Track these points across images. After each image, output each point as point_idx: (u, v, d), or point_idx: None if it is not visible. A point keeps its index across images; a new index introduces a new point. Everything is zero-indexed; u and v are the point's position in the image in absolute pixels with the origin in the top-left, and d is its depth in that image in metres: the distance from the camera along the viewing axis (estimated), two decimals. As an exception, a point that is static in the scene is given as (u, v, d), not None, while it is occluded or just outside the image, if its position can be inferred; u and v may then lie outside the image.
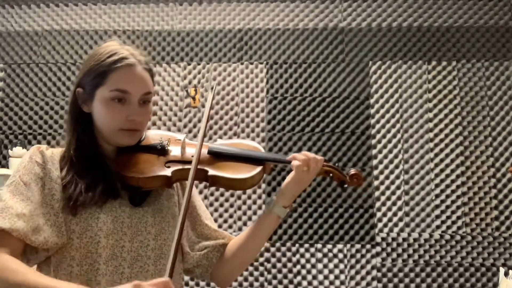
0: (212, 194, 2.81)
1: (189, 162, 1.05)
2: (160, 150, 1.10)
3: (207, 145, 1.14)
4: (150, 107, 1.08)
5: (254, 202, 2.80)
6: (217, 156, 1.12)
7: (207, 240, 1.18)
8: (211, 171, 1.07)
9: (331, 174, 1.15)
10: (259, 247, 1.16)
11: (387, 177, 2.81)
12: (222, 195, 2.81)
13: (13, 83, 2.94)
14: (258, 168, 1.10)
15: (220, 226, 2.77)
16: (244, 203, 2.80)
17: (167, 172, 1.05)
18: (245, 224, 2.77)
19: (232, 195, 2.81)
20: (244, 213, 2.79)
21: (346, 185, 1.15)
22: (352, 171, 1.15)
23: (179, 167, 1.06)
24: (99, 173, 1.03)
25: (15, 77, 2.95)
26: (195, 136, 2.86)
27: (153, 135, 1.15)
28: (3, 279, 0.86)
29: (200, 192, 2.79)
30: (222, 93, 2.92)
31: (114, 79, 1.02)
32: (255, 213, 2.78)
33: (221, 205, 2.80)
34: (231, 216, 2.79)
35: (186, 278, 2.70)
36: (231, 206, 2.80)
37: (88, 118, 1.06)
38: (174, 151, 1.11)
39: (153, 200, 1.08)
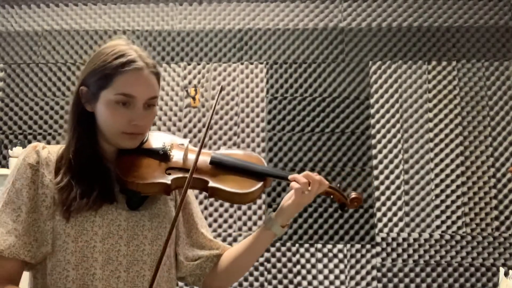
0: (209, 198, 2.81)
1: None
2: (162, 156, 1.07)
3: (210, 153, 1.11)
4: (155, 110, 1.06)
5: (254, 202, 2.79)
6: (219, 167, 1.09)
7: (202, 250, 1.17)
8: (212, 183, 1.05)
9: (332, 196, 1.14)
10: (253, 262, 1.16)
11: (387, 177, 2.81)
12: (222, 195, 2.81)
13: (13, 83, 2.94)
14: (259, 184, 1.08)
15: (220, 227, 2.77)
16: (244, 203, 2.80)
17: (167, 179, 1.03)
18: (245, 224, 2.77)
19: (232, 195, 2.80)
20: (244, 213, 2.79)
21: (346, 208, 1.14)
22: (353, 194, 1.13)
23: (180, 175, 1.04)
24: (96, 176, 1.01)
25: (15, 77, 2.95)
26: (195, 136, 2.86)
27: (155, 138, 1.12)
28: None
29: (200, 192, 2.79)
30: (222, 93, 2.92)
31: (120, 83, 0.99)
32: (255, 213, 2.78)
33: (221, 205, 2.80)
34: (231, 216, 2.79)
35: (186, 278, 2.70)
36: (231, 206, 2.80)
37: (90, 117, 1.04)
38: (176, 157, 1.09)
39: (150, 204, 1.06)
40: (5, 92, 2.93)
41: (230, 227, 2.78)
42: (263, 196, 2.80)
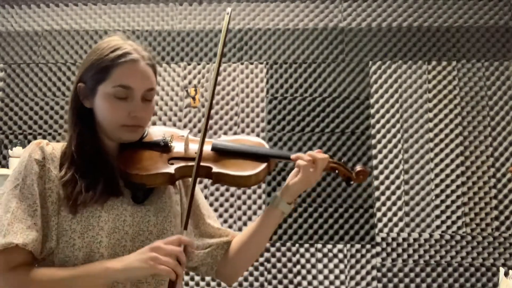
0: (212, 194, 2.81)
1: (192, 159, 1.04)
2: (163, 147, 1.08)
3: (211, 141, 1.12)
4: (153, 104, 1.07)
5: (254, 202, 2.80)
6: (221, 153, 1.10)
7: (211, 238, 1.18)
8: (215, 168, 1.06)
9: (337, 171, 1.14)
10: (263, 243, 1.15)
11: (387, 177, 2.81)
12: (222, 195, 2.81)
13: (13, 83, 2.94)
14: (263, 165, 1.08)
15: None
16: (244, 203, 2.80)
17: (170, 169, 1.04)
18: (245, 224, 2.77)
19: (232, 195, 2.81)
20: (244, 213, 2.79)
21: (352, 182, 1.14)
22: (358, 167, 1.13)
23: (182, 164, 1.06)
24: (100, 170, 1.02)
25: (15, 77, 2.95)
26: (195, 135, 2.86)
27: (155, 131, 1.13)
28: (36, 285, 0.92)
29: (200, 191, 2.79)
30: (222, 93, 2.92)
31: (117, 75, 1.00)
32: (255, 213, 2.78)
33: (221, 205, 2.80)
34: (231, 216, 2.79)
35: (186, 278, 2.70)
36: (231, 206, 2.80)
37: (90, 113, 1.05)
38: (177, 147, 1.10)
39: (155, 199, 1.07)
40: (5, 92, 2.93)
41: (230, 227, 2.77)
42: (263, 196, 2.80)
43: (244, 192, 2.81)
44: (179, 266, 0.91)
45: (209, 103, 1.05)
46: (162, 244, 0.92)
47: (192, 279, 2.71)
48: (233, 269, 1.17)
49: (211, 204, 2.80)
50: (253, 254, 1.17)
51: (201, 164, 1.04)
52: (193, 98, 2.91)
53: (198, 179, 1.08)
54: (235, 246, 1.16)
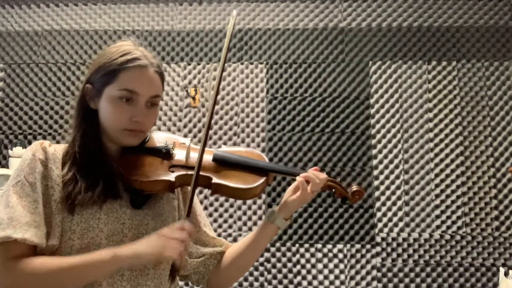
0: (212, 194, 2.81)
1: (193, 168, 1.04)
2: (165, 154, 1.09)
3: (212, 151, 1.13)
4: (157, 110, 1.08)
5: (254, 203, 2.80)
6: (222, 164, 1.11)
7: (205, 247, 1.18)
8: (215, 179, 1.07)
9: (333, 190, 1.16)
10: (256, 257, 1.17)
11: (387, 177, 2.81)
12: (222, 195, 2.81)
13: (13, 83, 2.94)
14: (262, 179, 1.10)
15: (220, 227, 2.77)
16: (244, 203, 2.80)
17: (171, 177, 1.04)
18: (245, 224, 2.77)
19: (232, 195, 2.80)
20: (244, 213, 2.79)
21: (347, 201, 1.16)
22: (354, 187, 1.15)
23: (183, 172, 1.06)
24: (101, 172, 1.02)
25: (15, 77, 2.95)
26: (195, 136, 2.86)
27: (158, 137, 1.14)
28: (43, 272, 0.92)
29: (200, 192, 2.79)
30: (222, 93, 2.92)
31: (124, 79, 1.01)
32: (255, 213, 2.78)
33: (221, 205, 2.80)
34: (231, 216, 2.79)
35: (186, 278, 2.70)
36: (231, 206, 2.80)
37: (95, 114, 1.05)
38: (179, 155, 1.10)
39: (153, 204, 1.08)
40: (5, 92, 2.93)
41: (230, 227, 2.78)
42: (263, 196, 2.80)
43: (244, 192, 2.80)
44: (183, 251, 0.94)
45: (210, 112, 1.06)
46: (168, 230, 0.95)
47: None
48: (224, 279, 1.17)
49: (211, 204, 2.80)
50: (246, 266, 1.18)
51: (202, 174, 1.05)
52: (193, 98, 2.91)
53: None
54: (228, 257, 1.17)
